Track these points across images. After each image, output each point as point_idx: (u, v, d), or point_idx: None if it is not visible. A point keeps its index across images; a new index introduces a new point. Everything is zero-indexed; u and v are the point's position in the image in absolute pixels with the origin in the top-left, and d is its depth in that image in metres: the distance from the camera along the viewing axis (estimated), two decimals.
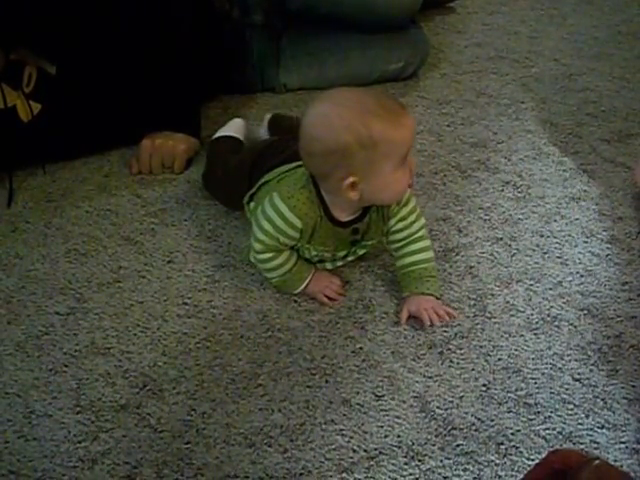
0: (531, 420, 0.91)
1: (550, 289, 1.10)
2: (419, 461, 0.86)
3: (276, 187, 1.02)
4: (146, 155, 1.31)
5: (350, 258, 1.09)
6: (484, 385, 0.95)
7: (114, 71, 1.32)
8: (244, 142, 1.31)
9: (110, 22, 1.28)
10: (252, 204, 1.09)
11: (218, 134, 1.31)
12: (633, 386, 0.95)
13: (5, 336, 1.02)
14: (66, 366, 0.97)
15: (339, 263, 1.09)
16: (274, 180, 1.05)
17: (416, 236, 1.04)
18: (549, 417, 0.91)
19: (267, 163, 1.08)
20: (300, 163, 1.01)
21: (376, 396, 0.94)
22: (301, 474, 0.85)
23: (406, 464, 0.86)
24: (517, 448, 0.87)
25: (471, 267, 1.13)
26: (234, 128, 1.32)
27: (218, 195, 1.24)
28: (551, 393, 0.94)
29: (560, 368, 0.97)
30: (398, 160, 0.92)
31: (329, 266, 1.09)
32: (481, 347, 1.00)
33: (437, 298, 1.04)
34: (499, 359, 0.99)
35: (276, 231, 0.99)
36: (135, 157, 1.33)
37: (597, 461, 0.55)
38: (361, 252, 1.09)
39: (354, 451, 0.87)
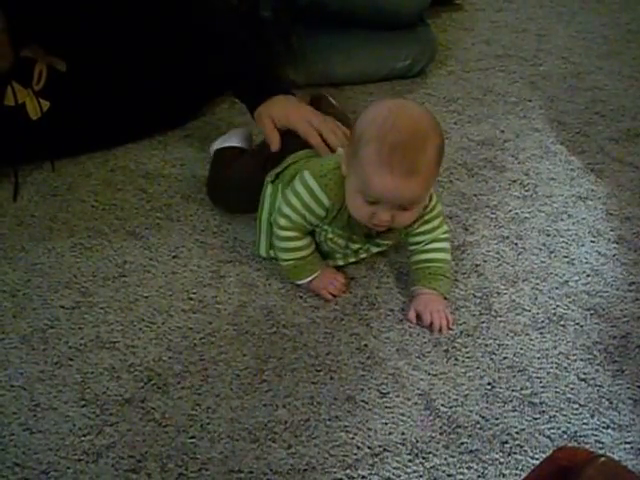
0: (536, 419, 0.90)
1: (556, 288, 1.09)
2: (423, 459, 0.86)
3: (306, 165, 1.02)
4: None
5: (363, 255, 1.09)
6: (489, 383, 0.95)
7: (123, 68, 1.32)
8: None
9: (120, 20, 1.28)
10: (277, 182, 1.07)
11: (223, 145, 1.25)
12: (639, 386, 0.94)
13: (11, 329, 1.02)
14: (71, 360, 0.97)
15: (351, 259, 1.09)
16: (302, 160, 1.05)
17: (438, 237, 1.05)
18: (554, 416, 0.91)
19: (290, 144, 1.08)
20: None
21: (381, 393, 0.93)
22: (305, 470, 0.85)
23: (410, 461, 0.86)
24: (522, 447, 0.87)
25: (477, 265, 1.13)
26: (239, 138, 1.26)
27: (228, 198, 1.20)
28: (556, 392, 0.94)
29: (566, 367, 0.97)
30: (362, 191, 0.93)
31: (340, 262, 1.09)
32: (486, 345, 1.00)
33: (445, 298, 1.04)
34: (504, 358, 0.98)
35: (303, 207, 0.99)
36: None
37: (603, 458, 0.55)
38: (374, 250, 1.09)
39: (358, 448, 0.87)
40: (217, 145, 1.26)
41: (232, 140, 1.26)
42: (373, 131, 0.91)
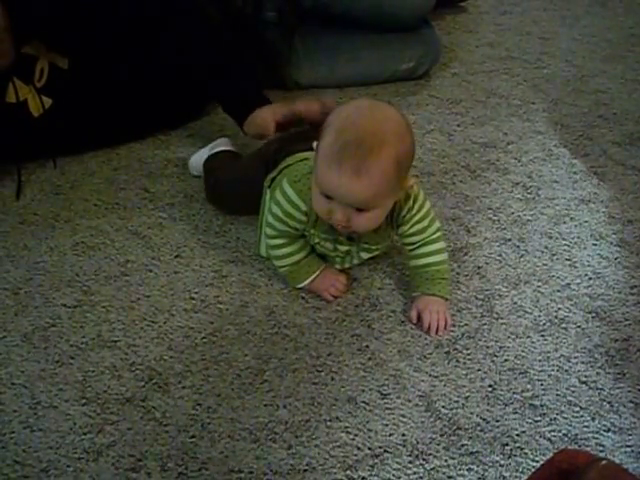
0: (537, 422, 0.90)
1: (558, 291, 1.09)
2: (423, 460, 0.86)
3: (288, 172, 1.03)
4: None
5: (355, 261, 1.09)
6: (490, 386, 0.95)
7: (125, 66, 1.32)
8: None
9: (122, 18, 1.28)
10: (273, 187, 1.07)
11: (213, 151, 1.27)
12: None
13: (12, 327, 1.02)
14: (72, 358, 0.98)
15: (346, 264, 1.09)
16: (293, 165, 1.05)
17: (431, 238, 1.04)
18: (555, 419, 0.91)
19: (293, 147, 1.08)
20: None
21: (381, 394, 0.93)
22: (305, 470, 0.85)
23: (410, 463, 0.85)
24: (522, 449, 0.87)
25: (479, 267, 1.13)
26: (224, 144, 1.29)
27: (230, 201, 1.21)
28: (557, 395, 0.94)
29: (567, 370, 0.97)
30: (317, 182, 0.92)
31: (337, 266, 1.09)
32: (488, 348, 1.00)
33: (446, 300, 1.04)
34: (505, 360, 0.98)
35: (284, 215, 1.00)
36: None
37: (604, 461, 0.55)
38: (366, 256, 1.08)
39: (359, 449, 0.87)
40: (204, 154, 1.27)
41: (220, 146, 1.27)
42: (334, 125, 0.91)
